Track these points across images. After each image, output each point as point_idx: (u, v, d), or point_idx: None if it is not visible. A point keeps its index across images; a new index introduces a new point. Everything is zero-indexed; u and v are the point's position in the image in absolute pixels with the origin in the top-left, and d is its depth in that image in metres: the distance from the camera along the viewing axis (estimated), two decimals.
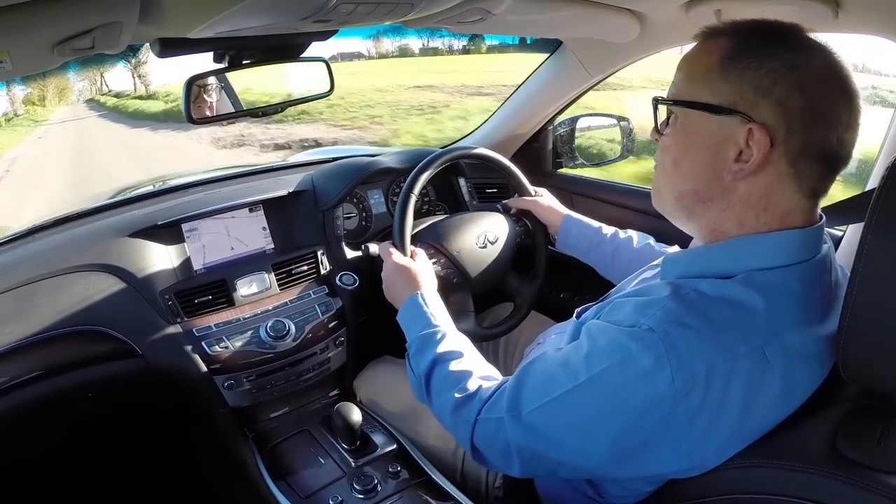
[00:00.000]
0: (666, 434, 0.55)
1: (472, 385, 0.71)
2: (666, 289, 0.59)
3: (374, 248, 1.06)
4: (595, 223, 1.12)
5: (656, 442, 0.56)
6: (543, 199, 1.18)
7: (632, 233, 1.08)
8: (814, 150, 0.56)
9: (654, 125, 0.66)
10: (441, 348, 0.78)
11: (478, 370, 0.75)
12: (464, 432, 0.69)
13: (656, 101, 0.64)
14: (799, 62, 0.55)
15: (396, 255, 0.97)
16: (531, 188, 1.19)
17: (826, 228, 0.62)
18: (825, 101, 0.55)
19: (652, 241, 1.06)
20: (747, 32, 0.58)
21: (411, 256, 0.99)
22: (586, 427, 0.58)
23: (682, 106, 0.60)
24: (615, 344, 0.57)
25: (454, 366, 0.75)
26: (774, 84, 0.54)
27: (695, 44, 0.62)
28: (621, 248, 1.05)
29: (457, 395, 0.71)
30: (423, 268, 0.96)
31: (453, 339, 0.81)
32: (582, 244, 1.11)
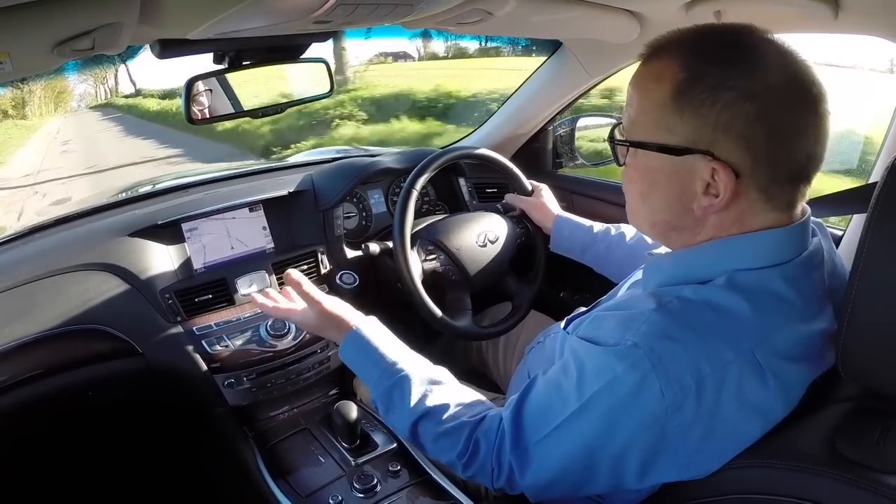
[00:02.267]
0: (662, 448, 0.55)
1: (471, 438, 0.66)
2: (649, 301, 0.58)
3: (374, 247, 1.06)
4: (587, 222, 1.11)
5: (654, 457, 0.56)
6: (537, 199, 1.17)
7: (624, 227, 1.07)
8: (783, 173, 0.55)
9: (614, 158, 0.64)
10: (413, 400, 0.69)
11: (466, 412, 0.68)
12: (484, 481, 0.66)
13: (612, 141, 0.62)
14: (756, 89, 0.52)
15: (287, 304, 0.87)
16: (528, 185, 1.19)
17: (827, 228, 0.62)
18: (789, 122, 0.53)
19: None
20: (695, 52, 0.55)
21: (300, 289, 0.84)
22: (586, 453, 0.57)
23: (640, 148, 0.59)
24: (601, 366, 0.56)
25: (440, 419, 0.68)
26: (733, 119, 0.52)
27: (640, 63, 0.59)
28: (614, 245, 1.05)
29: (462, 460, 0.66)
30: (327, 299, 0.83)
31: (417, 376, 0.72)
32: (575, 245, 1.10)
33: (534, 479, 0.62)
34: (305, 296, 0.83)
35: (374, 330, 0.80)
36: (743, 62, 0.53)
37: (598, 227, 1.10)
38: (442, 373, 0.75)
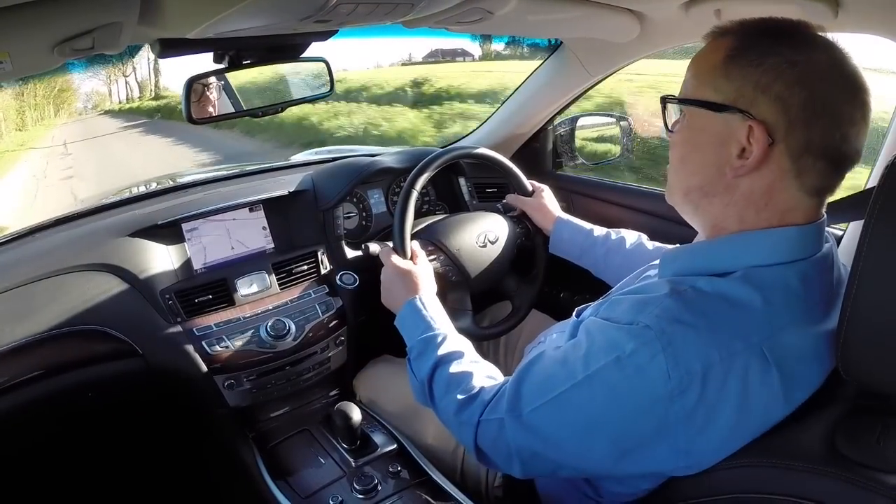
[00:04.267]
0: (663, 432, 0.56)
1: (473, 386, 0.71)
2: (664, 286, 0.59)
3: (374, 247, 1.06)
4: (587, 225, 1.12)
5: (654, 440, 0.56)
6: (538, 200, 1.18)
7: (624, 232, 1.08)
8: (816, 147, 0.55)
9: (664, 123, 0.67)
10: (442, 350, 0.78)
11: (479, 371, 0.75)
12: (467, 434, 0.69)
13: (664, 100, 0.65)
14: (799, 58, 0.54)
15: (396, 259, 0.96)
16: (529, 185, 1.19)
17: (828, 229, 0.62)
18: (827, 96, 0.54)
19: (645, 239, 1.05)
20: (752, 31, 0.58)
21: (412, 258, 0.98)
22: (584, 426, 0.59)
23: (687, 104, 0.62)
24: (612, 342, 0.57)
25: (455, 367, 0.75)
26: (774, 81, 0.54)
27: (705, 43, 0.62)
28: (613, 251, 1.05)
29: (459, 396, 0.71)
30: (423, 271, 0.96)
31: (454, 340, 0.81)
32: (573, 248, 1.11)
33: (522, 443, 0.63)
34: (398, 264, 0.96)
35: (434, 302, 0.90)
36: (793, 39, 0.56)
37: (598, 231, 1.10)
38: (471, 347, 0.82)
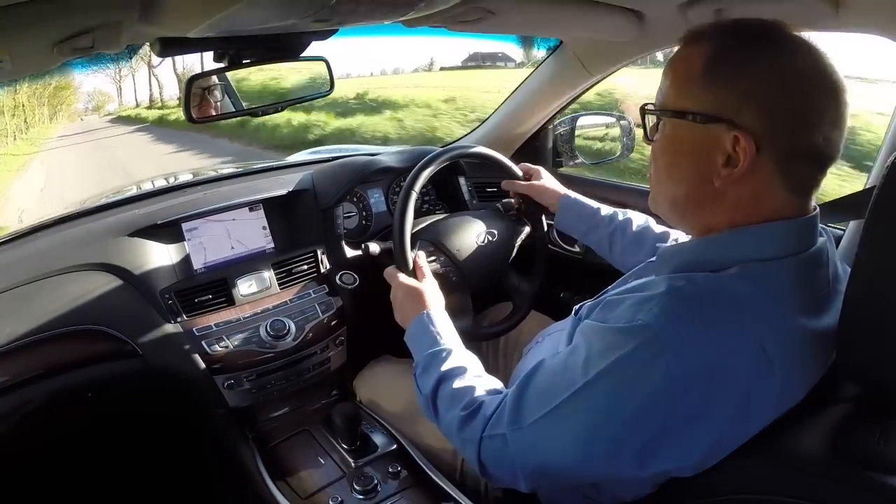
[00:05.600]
0: (666, 432, 0.55)
1: (475, 402, 0.70)
2: (662, 284, 0.59)
3: (374, 247, 1.06)
4: (594, 203, 1.09)
5: (656, 441, 0.56)
6: (539, 181, 1.15)
7: (631, 214, 1.06)
8: (801, 151, 0.56)
9: (644, 132, 0.66)
10: (446, 366, 0.77)
11: (482, 385, 0.73)
12: (471, 451, 0.68)
13: (644, 110, 0.65)
14: (781, 64, 0.55)
15: (402, 277, 0.95)
16: (517, 170, 1.16)
17: (826, 226, 0.62)
18: (810, 101, 0.55)
19: (652, 222, 1.04)
20: (728, 35, 0.58)
21: (416, 272, 0.97)
22: (587, 433, 0.58)
23: (668, 115, 0.61)
24: (611, 344, 0.57)
25: (458, 383, 0.74)
26: (757, 89, 0.55)
27: (678, 47, 0.61)
28: (620, 231, 1.04)
29: (461, 412, 0.70)
30: (429, 286, 0.94)
31: (459, 356, 0.80)
32: (580, 224, 1.09)
33: (525, 457, 0.62)
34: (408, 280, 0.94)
35: (442, 316, 0.88)
36: (771, 44, 0.56)
37: (605, 210, 1.08)
38: (476, 361, 0.81)
